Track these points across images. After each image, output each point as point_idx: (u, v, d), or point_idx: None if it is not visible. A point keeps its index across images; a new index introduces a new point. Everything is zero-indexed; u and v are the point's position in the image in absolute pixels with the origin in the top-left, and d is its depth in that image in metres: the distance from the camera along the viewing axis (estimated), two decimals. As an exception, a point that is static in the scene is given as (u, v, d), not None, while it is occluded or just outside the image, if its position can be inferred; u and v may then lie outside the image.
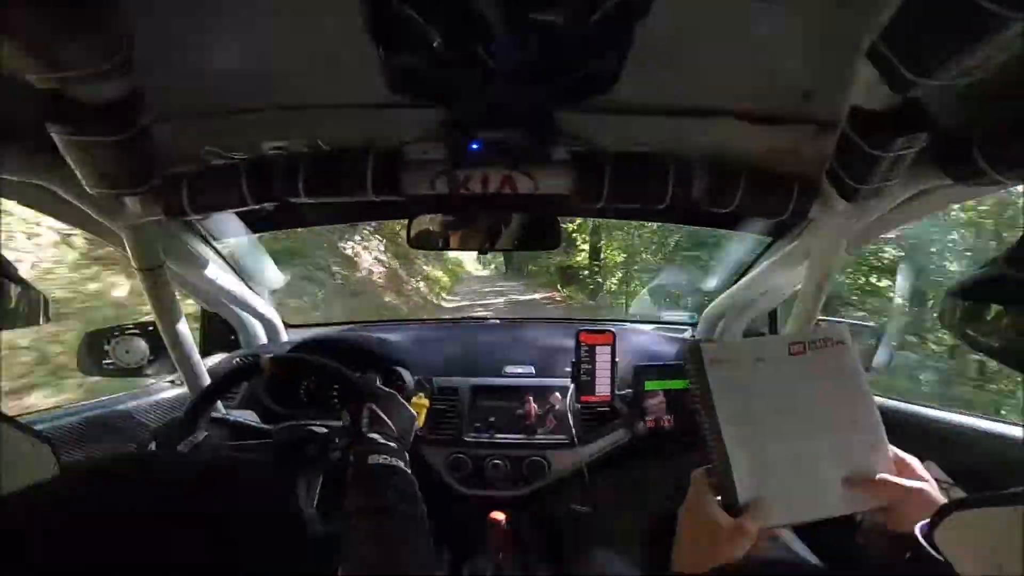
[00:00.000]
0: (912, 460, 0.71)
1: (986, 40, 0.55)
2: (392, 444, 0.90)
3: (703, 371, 0.70)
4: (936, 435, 1.11)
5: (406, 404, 1.01)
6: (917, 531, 0.62)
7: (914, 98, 0.72)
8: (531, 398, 1.41)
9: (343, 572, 0.65)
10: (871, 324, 1.54)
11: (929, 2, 0.58)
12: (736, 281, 1.62)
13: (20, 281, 0.69)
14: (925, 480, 0.69)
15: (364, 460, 0.84)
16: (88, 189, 0.88)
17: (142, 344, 1.43)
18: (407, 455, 0.91)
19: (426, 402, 1.32)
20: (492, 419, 1.41)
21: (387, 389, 1.02)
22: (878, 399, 1.24)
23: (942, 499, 0.67)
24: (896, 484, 0.68)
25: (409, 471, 0.86)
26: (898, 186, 0.90)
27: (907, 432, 1.15)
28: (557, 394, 1.42)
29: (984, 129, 0.77)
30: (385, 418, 0.94)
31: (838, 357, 0.73)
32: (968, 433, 1.07)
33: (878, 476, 0.69)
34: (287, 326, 1.84)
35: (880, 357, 1.50)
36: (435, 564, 0.76)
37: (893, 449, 0.72)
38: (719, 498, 0.68)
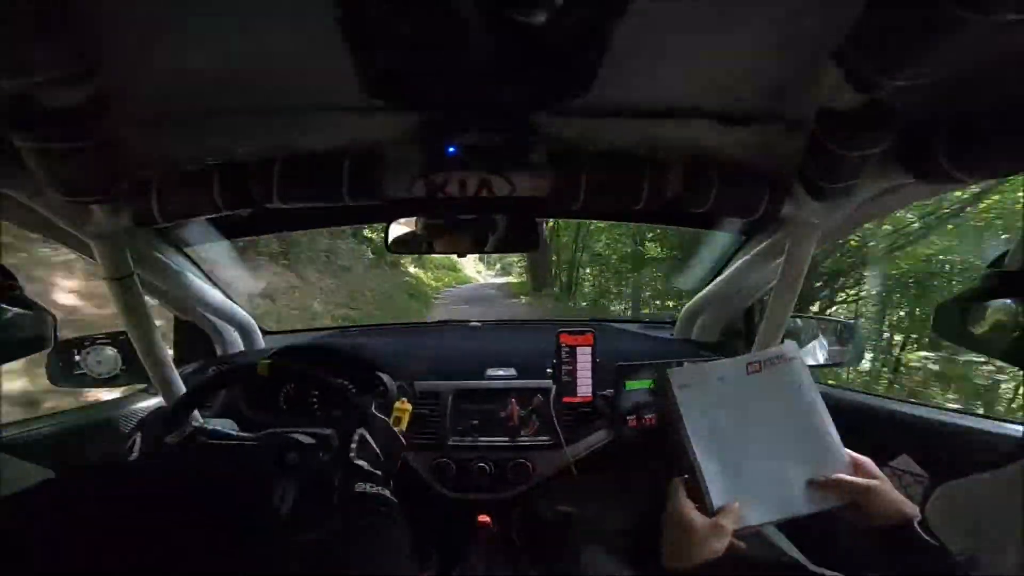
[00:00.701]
0: (865, 460, 0.80)
1: (948, 40, 0.57)
2: (378, 472, 0.90)
3: (674, 395, 0.81)
4: (911, 430, 1.14)
5: (397, 434, 1.00)
6: (916, 525, 0.68)
7: (879, 98, 0.74)
8: (513, 400, 1.41)
9: None
10: (844, 320, 1.58)
11: (892, 3, 0.60)
12: (713, 279, 1.65)
13: (27, 304, 0.68)
14: (878, 478, 0.77)
15: (351, 488, 0.84)
16: (53, 197, 0.86)
17: (113, 353, 1.40)
18: (391, 483, 0.91)
19: (408, 407, 1.31)
20: (475, 422, 1.40)
21: (381, 417, 1.01)
22: (856, 395, 1.28)
23: (896, 495, 0.76)
24: (852, 482, 0.77)
25: (394, 499, 0.86)
26: (865, 184, 0.92)
27: (883, 427, 1.18)
28: (539, 396, 1.42)
29: (946, 128, 0.80)
30: (374, 446, 0.93)
31: (791, 371, 0.83)
32: (941, 428, 1.11)
33: (835, 476, 0.77)
34: (264, 332, 1.81)
35: (852, 352, 1.54)
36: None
37: (848, 451, 0.81)
38: (696, 504, 0.77)
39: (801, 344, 1.56)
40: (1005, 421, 1.03)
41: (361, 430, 0.94)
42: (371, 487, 0.84)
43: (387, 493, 0.85)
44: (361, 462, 0.90)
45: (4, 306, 0.65)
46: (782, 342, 0.99)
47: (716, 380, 0.82)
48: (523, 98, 0.87)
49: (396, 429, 1.04)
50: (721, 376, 0.82)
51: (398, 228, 1.40)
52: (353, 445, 0.92)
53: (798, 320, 1.58)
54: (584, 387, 1.39)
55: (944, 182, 0.86)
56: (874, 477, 0.77)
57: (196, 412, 1.18)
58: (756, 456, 0.79)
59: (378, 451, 0.93)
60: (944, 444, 1.07)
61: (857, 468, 0.79)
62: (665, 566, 0.76)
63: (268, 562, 0.44)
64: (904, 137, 0.83)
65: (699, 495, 0.77)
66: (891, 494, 0.75)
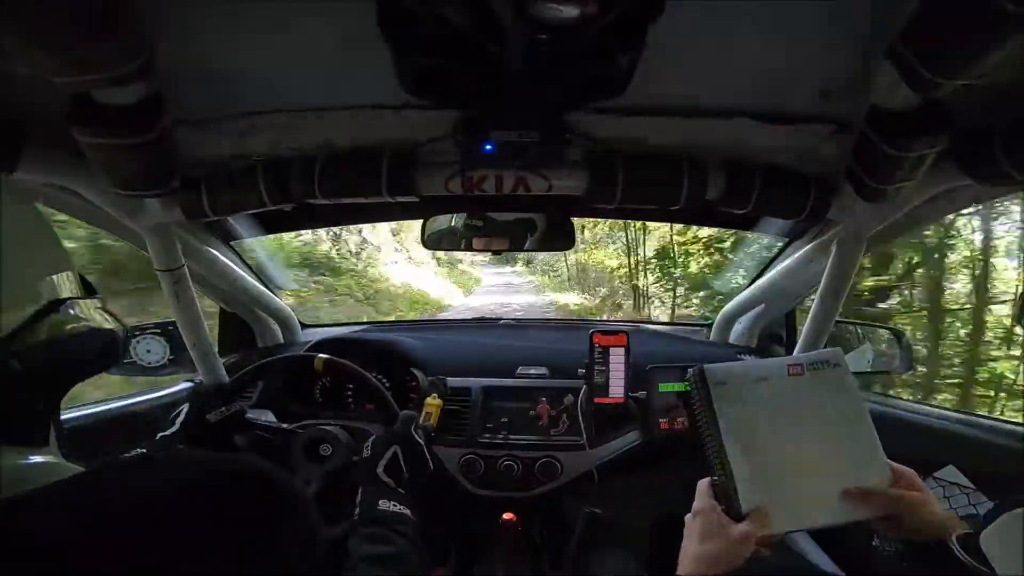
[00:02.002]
0: (907, 471, 0.76)
1: (1006, 40, 0.54)
2: (402, 491, 0.89)
3: (708, 392, 0.77)
4: (955, 441, 1.09)
5: (428, 458, 1.00)
6: (953, 540, 0.64)
7: (935, 98, 0.71)
8: (544, 399, 1.41)
9: None
10: (892, 327, 1.51)
11: (948, 2, 0.57)
12: (753, 282, 1.61)
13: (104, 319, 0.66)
14: (919, 491, 0.73)
15: (375, 505, 0.84)
16: (109, 190, 0.90)
17: (162, 343, 1.46)
18: (413, 503, 0.91)
19: (439, 402, 1.32)
20: (505, 420, 1.41)
21: (418, 438, 1.00)
22: (902, 404, 1.22)
23: (938, 508, 0.72)
24: (891, 494, 0.73)
25: (415, 519, 0.86)
26: (918, 186, 0.88)
27: (926, 438, 1.13)
28: (570, 395, 1.41)
29: (1006, 129, 0.75)
30: (403, 464, 0.93)
31: (835, 378, 0.79)
32: (992, 438, 1.05)
33: (871, 488, 0.74)
34: (302, 326, 1.86)
35: (901, 360, 1.47)
36: None
37: (891, 463, 0.77)
38: (723, 507, 0.74)
39: (846, 351, 1.51)
40: None
41: (396, 447, 0.94)
42: (393, 505, 0.83)
43: (408, 512, 0.84)
44: (388, 479, 0.90)
45: (80, 323, 0.62)
46: (825, 348, 0.95)
47: (754, 380, 0.78)
48: (560, 96, 0.86)
49: (428, 430, 1.05)
50: (760, 376, 0.78)
51: (434, 224, 1.42)
52: (384, 461, 0.92)
53: (843, 326, 1.52)
54: (616, 388, 1.38)
55: (1004, 184, 0.81)
56: (916, 489, 0.73)
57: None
58: (790, 461, 0.75)
59: (405, 471, 0.93)
60: (997, 457, 1.02)
61: (899, 479, 0.75)
62: (679, 573, 0.72)
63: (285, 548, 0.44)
64: (961, 138, 0.79)
65: (727, 498, 0.74)
66: (931, 508, 0.71)
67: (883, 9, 0.63)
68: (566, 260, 13.14)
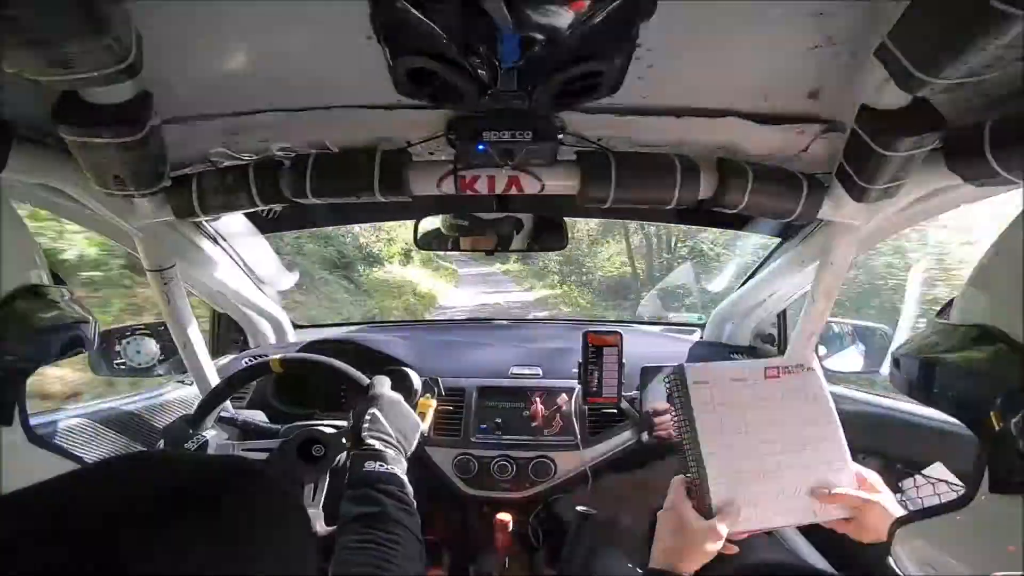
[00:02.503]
0: (870, 474, 0.80)
1: (995, 39, 0.54)
2: (390, 451, 0.89)
3: (686, 390, 0.80)
4: (947, 437, 1.09)
5: (411, 410, 1.00)
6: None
7: (924, 97, 0.71)
8: (538, 399, 1.41)
9: None
10: (880, 326, 1.52)
11: (938, 1, 0.57)
12: (745, 283, 1.61)
13: (70, 307, 0.71)
14: (880, 493, 0.78)
15: (360, 466, 0.84)
16: (99, 190, 0.89)
17: (152, 344, 1.45)
18: (405, 462, 0.91)
19: (433, 403, 1.32)
20: (499, 420, 1.41)
21: (394, 394, 1.01)
22: (888, 400, 1.23)
23: (899, 511, 0.75)
24: (854, 497, 0.77)
25: (405, 478, 0.86)
26: (909, 186, 0.89)
27: (916, 434, 1.13)
28: (564, 395, 1.41)
29: (996, 128, 0.76)
30: (385, 423, 0.93)
31: (808, 382, 0.83)
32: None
33: (838, 490, 0.77)
34: (295, 326, 1.85)
35: (886, 359, 1.48)
36: (423, 568, 0.76)
37: (855, 465, 0.81)
38: (695, 503, 0.77)
39: (837, 350, 1.52)
40: None
41: (373, 410, 0.94)
42: (380, 466, 0.83)
43: (398, 472, 0.84)
44: (373, 441, 0.89)
45: (47, 309, 0.67)
46: (816, 348, 0.96)
47: (731, 381, 0.81)
48: (553, 97, 0.87)
49: (416, 413, 1.04)
50: (737, 377, 0.82)
51: (427, 224, 1.41)
52: (366, 424, 0.92)
53: (833, 325, 1.53)
54: (610, 388, 1.38)
55: (993, 183, 0.82)
56: (877, 492, 0.78)
57: (228, 403, 1.21)
58: (761, 461, 0.78)
59: (390, 430, 0.93)
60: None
61: (862, 482, 0.79)
62: (651, 566, 0.75)
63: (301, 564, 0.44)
64: (951, 137, 0.79)
65: (699, 494, 0.77)
66: (891, 510, 0.75)
67: (872, 8, 0.64)
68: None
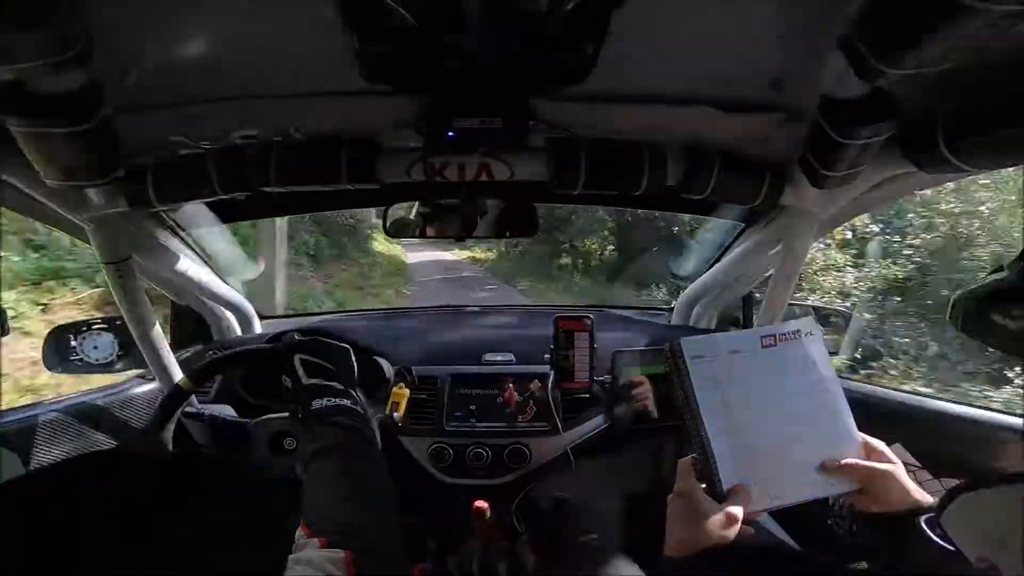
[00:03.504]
0: (880, 444, 0.75)
1: (953, 29, 0.56)
2: (335, 384, 0.87)
3: (685, 367, 0.74)
4: (903, 419, 1.15)
5: (334, 341, 0.96)
6: (922, 520, 0.66)
7: (882, 87, 0.74)
8: (511, 385, 1.42)
9: (304, 519, 0.64)
10: (842, 308, 1.58)
11: None
12: (711, 266, 1.65)
13: None
14: (893, 463, 0.73)
15: (308, 406, 0.82)
16: (48, 182, 0.85)
17: (110, 339, 1.39)
18: (355, 392, 0.88)
19: (406, 392, 1.31)
20: (472, 407, 1.41)
21: (307, 337, 0.97)
22: (848, 384, 1.28)
23: (909, 482, 0.72)
24: (866, 467, 0.72)
25: (356, 407, 0.83)
26: (866, 173, 0.92)
27: (876, 416, 1.19)
28: (537, 381, 1.42)
29: (949, 119, 0.79)
30: (317, 360, 0.90)
31: (807, 348, 0.78)
32: (933, 417, 1.12)
33: (848, 461, 0.73)
34: (261, 317, 1.81)
35: (849, 340, 1.55)
36: (392, 496, 0.74)
37: (862, 435, 0.76)
38: (704, 485, 0.72)
39: None
40: (1006, 414, 1.02)
41: (297, 355, 0.91)
42: (328, 400, 0.81)
43: (347, 402, 0.82)
44: (313, 380, 0.87)
45: None
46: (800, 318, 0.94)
47: (728, 353, 0.76)
48: (523, 83, 0.86)
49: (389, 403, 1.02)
50: (734, 349, 0.76)
51: (397, 212, 1.39)
52: (300, 371, 0.89)
53: (795, 307, 1.59)
54: (582, 373, 1.40)
55: (945, 172, 0.86)
56: (888, 461, 0.73)
57: (193, 398, 1.18)
58: (768, 436, 0.74)
59: (326, 364, 0.90)
60: (943, 434, 1.08)
61: (870, 452, 0.75)
62: (667, 554, 0.71)
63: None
64: (906, 127, 0.82)
65: (706, 478, 0.72)
66: (903, 481, 0.72)
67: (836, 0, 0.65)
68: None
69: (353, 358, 0.96)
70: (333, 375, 0.89)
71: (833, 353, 1.58)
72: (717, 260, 1.62)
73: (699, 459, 0.73)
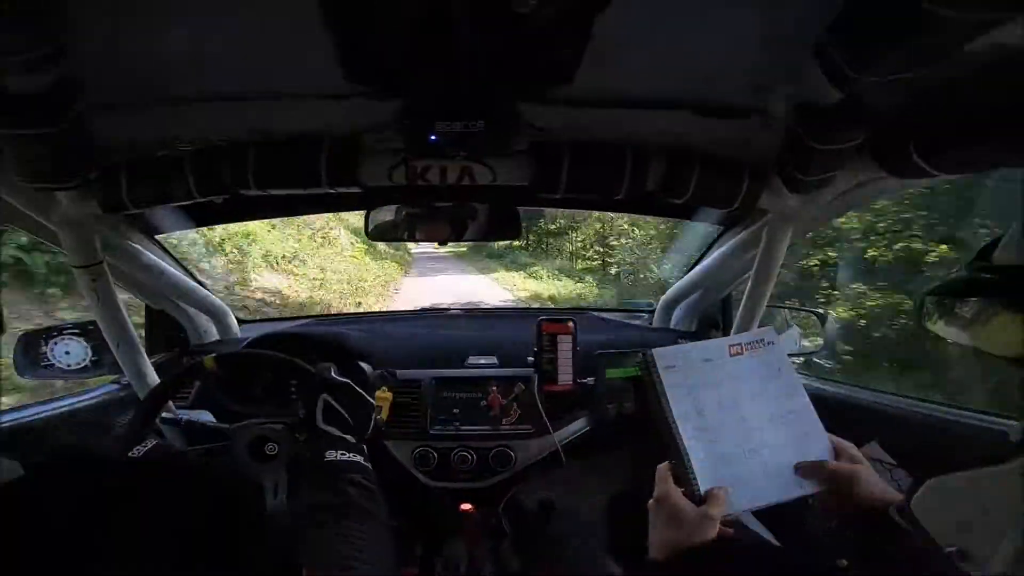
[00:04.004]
0: (848, 445, 0.79)
1: (922, 37, 0.58)
2: (349, 437, 0.88)
3: (659, 377, 0.78)
4: (879, 418, 1.18)
5: (363, 393, 0.98)
6: (893, 510, 0.68)
7: (854, 94, 0.76)
8: (495, 388, 1.41)
9: (307, 573, 0.64)
10: (816, 309, 1.62)
11: (871, 1, 0.61)
12: (690, 270, 1.67)
13: None
14: (860, 463, 0.77)
15: (321, 456, 0.82)
16: (18, 184, 0.82)
17: (82, 344, 1.36)
18: (365, 447, 0.90)
19: (389, 395, 1.30)
20: (456, 411, 1.41)
21: (342, 379, 0.99)
22: (828, 386, 1.30)
23: (878, 480, 0.75)
24: (832, 468, 0.76)
25: (368, 464, 0.84)
26: (840, 178, 0.95)
27: (852, 416, 1.22)
28: (520, 384, 1.42)
29: (920, 125, 0.82)
30: (340, 410, 0.92)
31: (771, 356, 0.82)
32: (907, 416, 1.14)
33: (814, 461, 0.77)
34: (240, 321, 1.78)
35: (824, 340, 1.58)
36: (398, 558, 0.76)
37: (831, 436, 0.80)
38: (683, 490, 0.75)
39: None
40: (983, 413, 1.05)
41: (324, 395, 0.93)
42: (341, 454, 0.82)
43: (360, 459, 0.83)
44: (329, 427, 0.88)
45: None
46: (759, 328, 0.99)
47: (700, 361, 0.80)
48: (506, 87, 0.86)
49: (370, 401, 1.03)
50: (705, 357, 0.80)
51: (379, 215, 1.38)
52: (319, 413, 0.90)
53: (772, 309, 1.62)
54: (565, 375, 1.40)
55: (915, 177, 0.88)
56: (856, 462, 0.77)
57: (171, 403, 1.15)
58: (741, 440, 0.77)
59: (346, 415, 0.91)
60: (918, 434, 1.11)
61: (840, 453, 0.78)
62: (651, 556, 0.74)
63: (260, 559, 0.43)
64: (878, 133, 0.85)
65: (684, 482, 0.75)
66: (872, 480, 0.75)
67: (811, 8, 0.67)
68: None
69: (374, 415, 0.98)
70: (349, 428, 0.90)
71: (813, 353, 1.61)
72: (696, 263, 1.65)
73: (676, 464, 0.76)
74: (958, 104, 0.78)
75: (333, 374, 0.99)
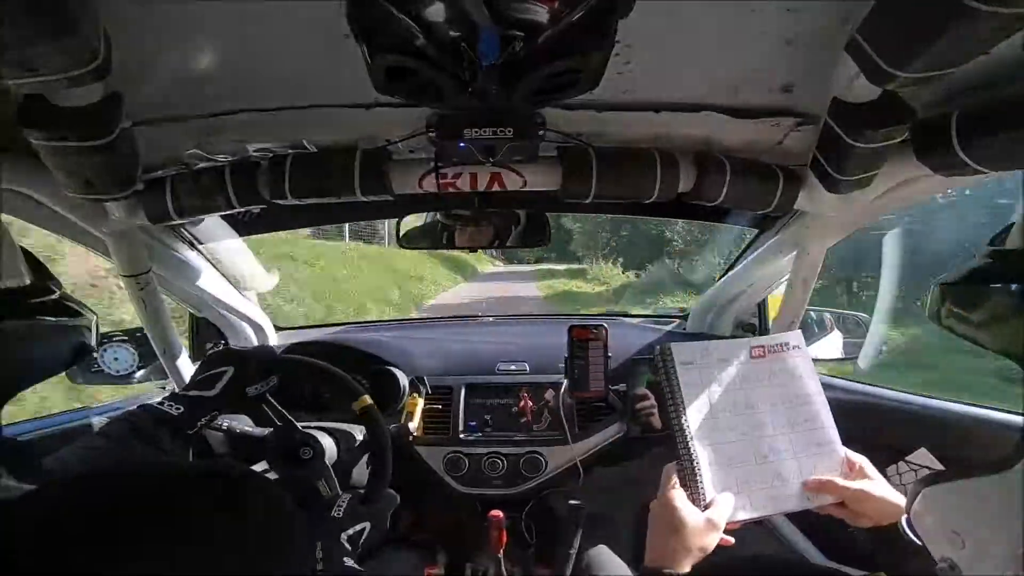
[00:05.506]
0: (860, 459, 0.77)
1: (961, 33, 0.56)
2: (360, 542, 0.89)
3: (674, 372, 0.76)
4: (930, 423, 1.12)
5: (393, 493, 1.01)
6: (902, 521, 0.65)
7: (893, 90, 0.73)
8: (525, 394, 1.41)
9: None
10: (858, 314, 1.56)
11: None
12: (725, 274, 1.64)
13: (68, 311, 0.60)
14: (872, 479, 0.74)
15: (340, 562, 0.80)
16: (69, 195, 0.87)
17: (129, 351, 1.42)
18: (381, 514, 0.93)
19: (420, 402, 1.32)
20: (487, 417, 1.41)
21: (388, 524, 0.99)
22: (873, 387, 1.25)
23: (892, 496, 0.72)
24: (842, 485, 0.74)
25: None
26: (881, 177, 0.91)
27: (902, 420, 1.17)
28: (551, 390, 1.42)
29: (963, 120, 0.78)
30: (361, 541, 0.90)
31: (794, 360, 0.79)
32: (962, 421, 1.09)
33: (825, 477, 0.74)
34: (276, 328, 1.83)
35: (867, 345, 1.52)
36: None
37: (844, 449, 0.78)
38: (688, 493, 0.72)
39: (815, 338, 1.55)
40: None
41: (367, 524, 0.92)
42: (355, 564, 0.82)
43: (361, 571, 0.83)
44: (346, 544, 0.87)
45: (43, 317, 0.56)
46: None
47: (719, 360, 0.77)
48: (533, 93, 0.87)
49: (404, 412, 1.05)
50: (724, 357, 0.78)
51: (410, 223, 1.40)
52: (351, 532, 0.89)
53: (812, 313, 1.57)
54: (596, 382, 1.39)
55: (961, 174, 0.84)
56: (867, 477, 0.75)
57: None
58: (752, 446, 0.75)
59: (359, 544, 0.91)
60: (962, 438, 1.06)
61: (851, 467, 0.76)
62: (647, 563, 0.70)
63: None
64: (920, 129, 0.81)
65: (690, 485, 0.73)
66: (882, 495, 0.72)
67: (843, 3, 0.65)
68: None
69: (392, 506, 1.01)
70: (368, 494, 0.96)
71: (852, 358, 1.55)
72: (731, 267, 1.61)
73: (683, 465, 0.74)
74: (1003, 97, 0.74)
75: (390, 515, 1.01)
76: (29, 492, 0.41)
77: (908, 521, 0.66)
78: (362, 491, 0.99)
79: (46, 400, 2.97)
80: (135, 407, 0.88)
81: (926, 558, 0.56)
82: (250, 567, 0.38)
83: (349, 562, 0.81)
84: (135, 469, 0.52)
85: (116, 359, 1.41)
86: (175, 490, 0.41)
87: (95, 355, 1.40)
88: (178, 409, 0.88)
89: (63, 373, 1.38)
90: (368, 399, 1.07)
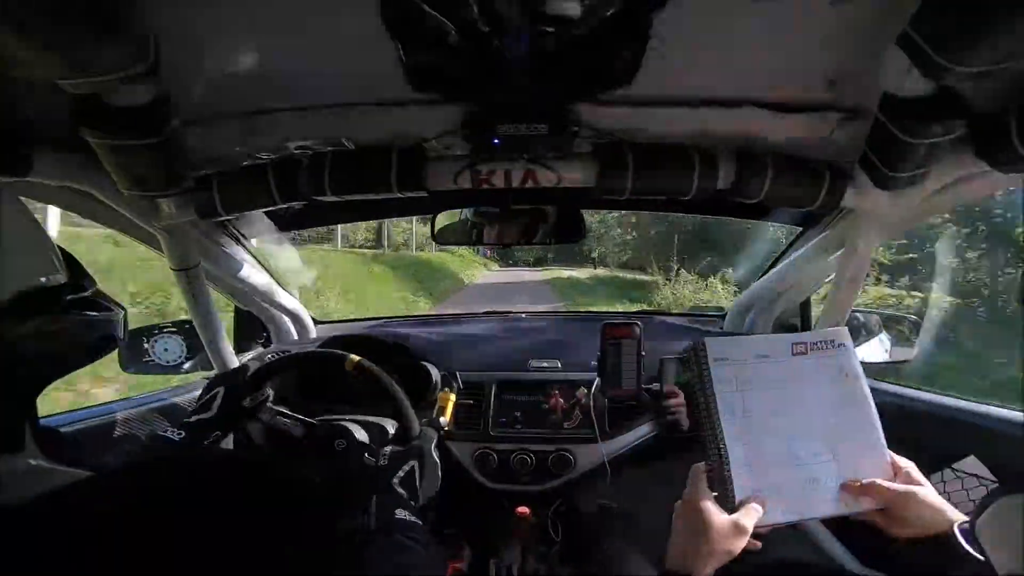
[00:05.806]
0: (907, 464, 0.72)
1: (1018, 25, 0.53)
2: (412, 503, 0.93)
3: (707, 368, 0.72)
4: (979, 430, 1.07)
5: (439, 477, 1.04)
6: (956, 530, 0.61)
7: (948, 84, 0.69)
8: (557, 392, 1.41)
9: None
10: (907, 315, 1.49)
11: None
12: (767, 272, 1.59)
13: (99, 305, 0.64)
14: (920, 484, 0.69)
15: (393, 513, 0.79)
16: (123, 192, 0.91)
17: (179, 341, 1.49)
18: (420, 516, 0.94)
19: (452, 397, 1.33)
20: (518, 414, 1.41)
21: (436, 460, 1.04)
22: (926, 394, 1.19)
23: (939, 503, 0.67)
24: (888, 488, 0.69)
25: (425, 538, 0.87)
26: (934, 173, 0.87)
27: (953, 428, 1.11)
28: (583, 388, 1.41)
29: (1022, 113, 0.73)
30: (417, 481, 0.97)
31: (840, 359, 0.75)
32: (1015, 429, 1.02)
33: (870, 481, 0.69)
34: (315, 322, 1.88)
35: (914, 348, 1.45)
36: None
37: (890, 453, 0.73)
38: (716, 494, 0.69)
39: (862, 340, 1.49)
40: None
41: (413, 462, 0.98)
42: (408, 515, 0.84)
43: (419, 523, 0.85)
44: (400, 490, 0.94)
45: (75, 311, 0.60)
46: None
47: (756, 357, 0.73)
48: (566, 89, 0.86)
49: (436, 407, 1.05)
50: (762, 354, 0.73)
51: (444, 219, 1.42)
52: (400, 474, 0.96)
53: (859, 315, 1.50)
54: (629, 380, 1.37)
55: (1021, 170, 0.79)
56: (915, 483, 0.70)
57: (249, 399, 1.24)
58: (789, 447, 0.71)
59: (418, 486, 0.97)
60: (1019, 448, 1.00)
61: (897, 472, 0.71)
62: (667, 567, 0.68)
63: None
64: (977, 123, 0.77)
65: (720, 484, 0.69)
66: (930, 501, 0.67)
67: None
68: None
69: (435, 490, 1.04)
70: (415, 495, 0.96)
71: (904, 362, 1.48)
72: (773, 265, 1.56)
73: (713, 465, 0.71)
74: None
75: (432, 447, 1.05)
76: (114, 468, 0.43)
77: (965, 532, 0.62)
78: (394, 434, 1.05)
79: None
80: (147, 434, 0.94)
81: (987, 572, 0.53)
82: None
83: (402, 514, 0.83)
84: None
85: (166, 350, 1.47)
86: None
87: (146, 346, 1.47)
88: (179, 435, 0.98)
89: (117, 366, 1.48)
90: (356, 357, 1.11)
